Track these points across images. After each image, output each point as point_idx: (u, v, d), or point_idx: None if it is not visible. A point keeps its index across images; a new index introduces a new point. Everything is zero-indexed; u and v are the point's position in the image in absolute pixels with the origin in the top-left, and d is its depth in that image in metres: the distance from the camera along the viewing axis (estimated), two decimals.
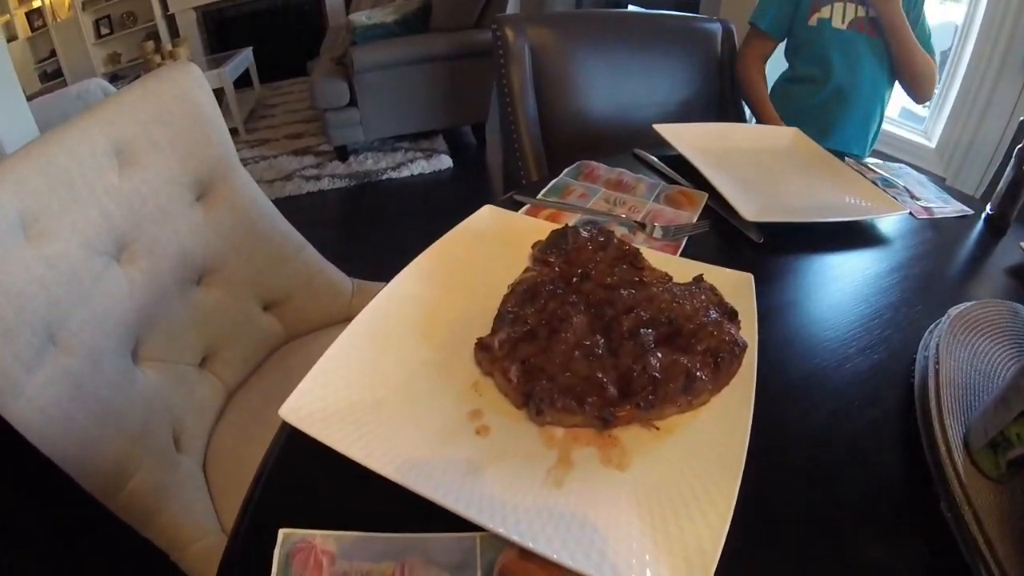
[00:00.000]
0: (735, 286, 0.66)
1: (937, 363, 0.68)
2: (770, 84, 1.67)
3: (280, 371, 1.17)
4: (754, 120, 1.61)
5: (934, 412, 0.61)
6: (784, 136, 1.26)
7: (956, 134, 2.91)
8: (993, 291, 0.94)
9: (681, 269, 0.66)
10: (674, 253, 0.77)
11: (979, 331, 0.78)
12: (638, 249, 0.65)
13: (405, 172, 3.59)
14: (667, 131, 1.09)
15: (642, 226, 0.82)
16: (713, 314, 0.58)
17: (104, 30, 5.59)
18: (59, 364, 0.78)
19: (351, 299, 1.30)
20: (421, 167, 3.62)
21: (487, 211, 0.78)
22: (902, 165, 1.41)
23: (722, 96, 1.59)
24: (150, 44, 4.35)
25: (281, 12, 6.12)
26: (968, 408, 0.63)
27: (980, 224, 1.24)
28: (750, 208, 0.86)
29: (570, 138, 1.35)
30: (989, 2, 2.59)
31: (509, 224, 0.77)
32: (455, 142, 3.97)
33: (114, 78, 5.22)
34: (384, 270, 0.75)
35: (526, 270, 0.65)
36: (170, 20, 5.67)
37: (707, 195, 0.92)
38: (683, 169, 1.02)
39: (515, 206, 0.86)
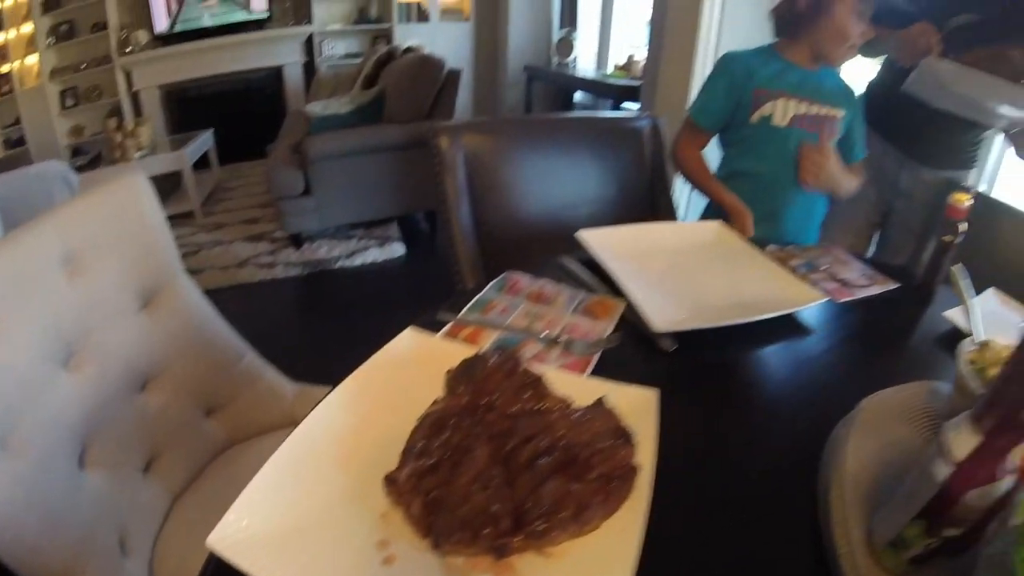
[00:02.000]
0: (638, 403, 0.70)
1: (843, 459, 0.70)
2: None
3: (223, 476, 1.18)
4: (685, 209, 1.68)
5: (834, 512, 0.64)
6: (707, 231, 1.33)
7: None
8: (919, 366, 0.99)
9: (587, 390, 0.70)
10: (585, 369, 0.81)
11: (893, 418, 0.80)
12: (540, 376, 0.69)
13: (358, 260, 3.63)
14: (589, 237, 1.15)
15: (556, 342, 0.86)
16: (609, 439, 0.62)
17: (69, 101, 5.60)
18: (10, 469, 0.80)
19: (292, 404, 1.32)
20: (374, 255, 3.68)
21: (408, 335, 0.82)
22: (830, 246, 1.46)
23: (652, 190, 1.66)
24: (113, 121, 4.37)
25: (243, 94, 6.19)
26: (876, 503, 0.65)
27: (905, 296, 1.28)
28: (659, 318, 0.91)
29: (507, 242, 1.40)
30: None
31: (429, 348, 0.81)
32: (409, 229, 4.05)
33: (76, 151, 5.31)
34: (335, 362, 0.78)
35: (435, 402, 0.68)
36: (135, 96, 5.72)
37: (624, 303, 0.97)
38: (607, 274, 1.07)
39: (441, 324, 0.90)
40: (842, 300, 1.20)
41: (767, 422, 0.82)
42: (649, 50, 3.39)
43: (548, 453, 0.60)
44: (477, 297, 0.97)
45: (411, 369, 0.77)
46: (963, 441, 0.52)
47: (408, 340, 0.81)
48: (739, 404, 0.85)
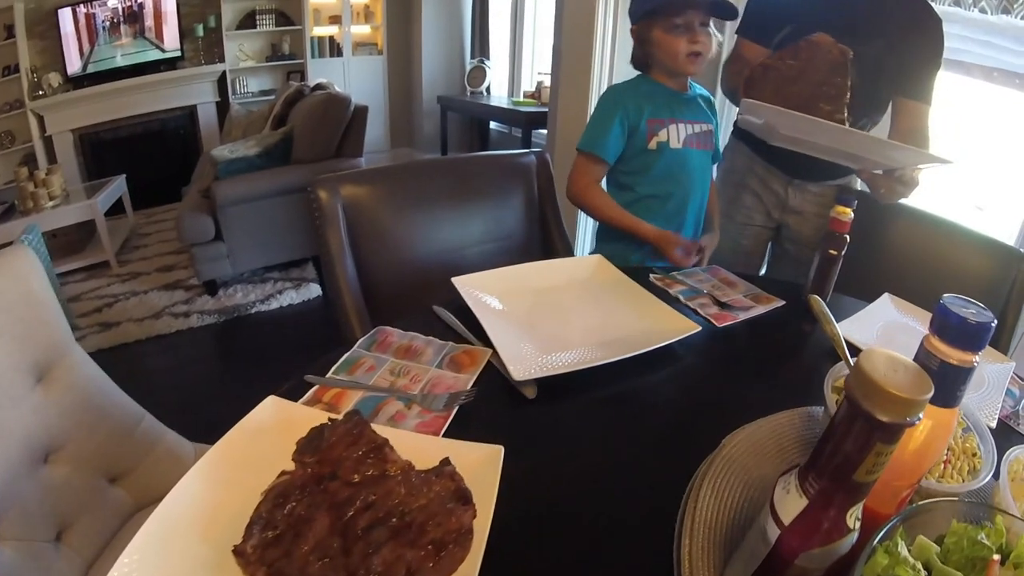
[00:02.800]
0: (485, 461, 0.73)
1: (698, 505, 0.70)
2: None
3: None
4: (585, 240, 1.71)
5: (684, 565, 0.64)
6: (586, 266, 1.37)
7: None
8: (804, 390, 0.96)
9: (436, 450, 0.74)
10: (442, 426, 0.84)
11: (759, 454, 0.81)
12: (384, 441, 0.71)
13: (274, 304, 3.61)
14: (461, 283, 1.18)
15: (415, 400, 0.88)
16: (448, 502, 0.64)
17: None
18: None
19: (193, 464, 1.30)
20: (290, 297, 3.66)
21: (270, 403, 0.83)
22: (715, 267, 1.52)
23: (545, 226, 1.69)
24: (24, 170, 4.24)
25: (158, 135, 6.09)
26: (729, 549, 0.65)
27: (793, 313, 1.33)
28: (519, 365, 0.94)
29: (394, 290, 1.42)
30: None
31: (289, 415, 0.82)
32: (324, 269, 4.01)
33: None
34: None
35: (282, 472, 0.70)
36: (48, 141, 5.57)
37: (490, 351, 0.99)
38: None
39: (309, 386, 0.92)
40: (723, 324, 1.23)
41: (628, 469, 0.83)
42: (551, 77, 3.47)
43: (385, 520, 0.63)
44: (345, 356, 1.00)
45: (270, 438, 0.78)
46: (791, 502, 0.51)
47: (268, 409, 0.83)
48: (601, 451, 0.86)
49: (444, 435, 0.82)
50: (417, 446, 0.75)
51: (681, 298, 1.33)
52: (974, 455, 0.77)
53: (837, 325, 1.12)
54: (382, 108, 6.81)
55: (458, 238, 1.54)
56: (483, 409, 0.89)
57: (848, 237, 1.26)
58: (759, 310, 1.30)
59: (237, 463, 0.74)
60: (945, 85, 1.72)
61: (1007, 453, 0.76)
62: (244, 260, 3.66)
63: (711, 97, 1.79)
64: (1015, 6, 2.12)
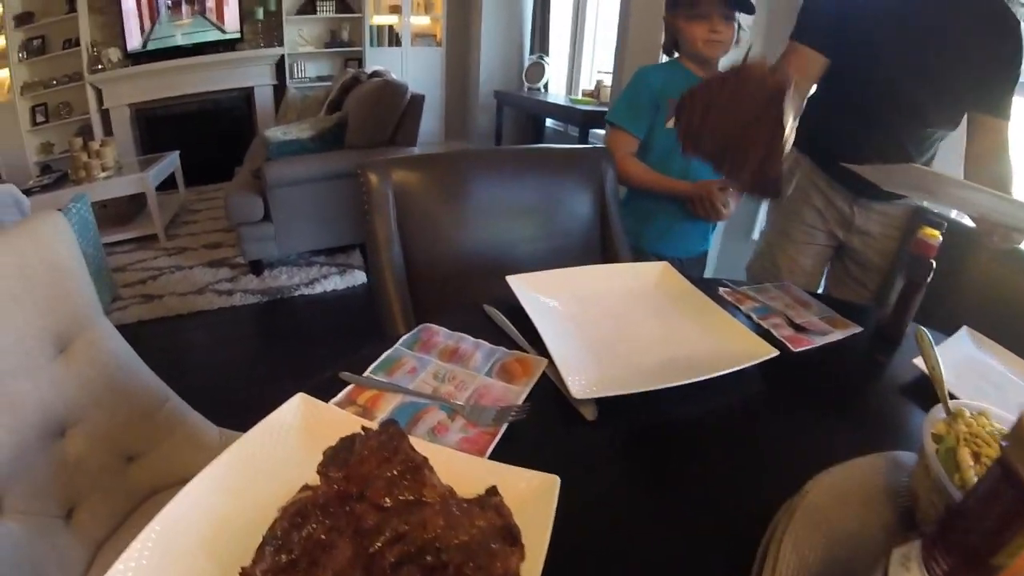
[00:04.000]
0: (537, 491, 0.63)
1: (779, 560, 0.60)
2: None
3: (147, 523, 1.11)
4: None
5: None
6: (650, 273, 1.25)
7: None
8: (887, 427, 0.90)
9: (482, 474, 0.64)
10: (488, 444, 0.74)
11: (844, 504, 0.70)
12: (423, 461, 0.61)
13: (318, 288, 3.56)
14: (517, 282, 1.07)
15: (461, 410, 0.78)
16: (492, 541, 0.54)
17: (40, 118, 5.55)
18: None
19: (216, 449, 1.25)
20: (335, 283, 3.61)
21: (298, 401, 0.75)
22: (786, 284, 1.40)
23: (605, 225, 1.59)
24: (78, 140, 4.29)
25: (213, 115, 6.17)
26: None
27: (869, 341, 1.20)
28: (579, 382, 0.83)
29: (441, 284, 1.33)
30: None
31: (319, 417, 0.73)
32: None
33: (45, 168, 5.21)
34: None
35: (304, 487, 0.61)
36: (105, 114, 5.67)
37: (546, 361, 0.89)
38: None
39: (343, 384, 0.83)
40: (799, 349, 1.11)
41: (698, 507, 0.73)
42: (613, 75, 3.36)
43: (417, 557, 0.53)
44: (385, 354, 0.90)
45: (296, 441, 0.70)
46: None
47: (297, 407, 0.74)
48: (666, 485, 0.76)
49: (491, 456, 0.72)
50: (460, 468, 0.65)
51: (753, 316, 1.21)
52: None
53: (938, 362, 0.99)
54: (438, 100, 6.75)
55: (511, 234, 1.45)
56: (534, 427, 0.79)
57: (934, 263, 1.14)
58: (836, 336, 1.18)
59: (256, 468, 0.66)
60: None
61: None
62: (291, 242, 3.63)
63: None
64: None
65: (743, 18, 1.74)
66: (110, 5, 5.40)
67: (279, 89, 6.20)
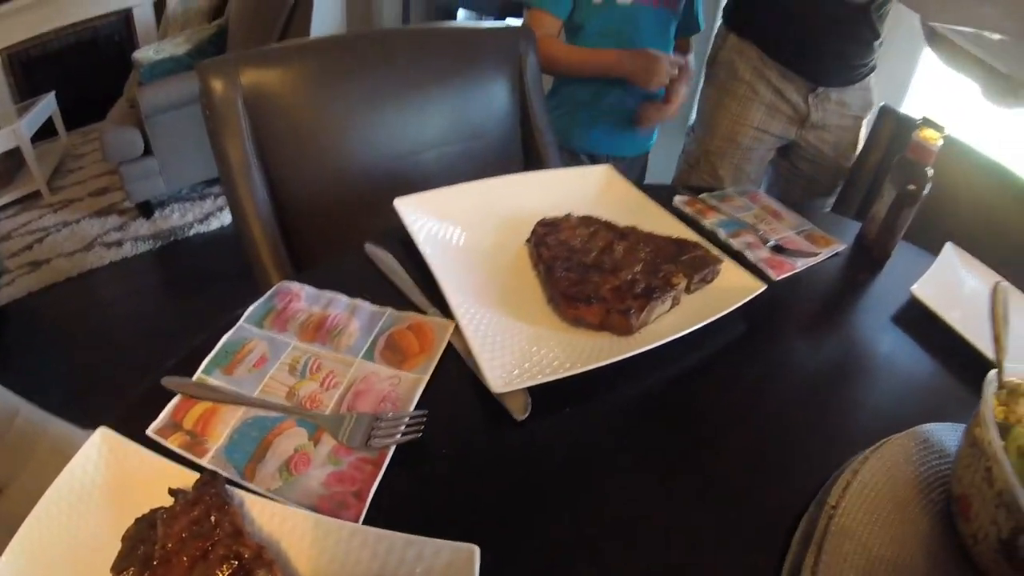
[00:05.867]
0: (444, 569, 0.38)
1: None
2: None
3: None
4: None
5: None
6: (590, 181, 0.98)
7: None
8: (896, 376, 0.74)
9: (357, 552, 0.40)
10: (373, 480, 0.47)
11: (878, 521, 0.54)
12: (260, 550, 0.37)
13: (215, 223, 3.24)
14: (410, 206, 0.78)
15: (331, 425, 0.50)
16: None
17: None
18: None
19: None
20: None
21: (100, 440, 0.49)
22: (751, 189, 1.19)
23: (527, 120, 1.31)
24: None
25: (91, 45, 5.54)
26: None
27: (849, 259, 1.03)
28: (501, 364, 0.56)
29: (325, 216, 1.03)
30: None
31: (126, 463, 0.48)
32: None
33: None
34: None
35: None
36: None
37: (452, 324, 0.61)
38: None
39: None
40: (781, 276, 0.89)
41: (685, 530, 0.50)
42: None
43: None
44: (224, 339, 0.61)
45: (101, 507, 0.46)
46: None
47: (98, 451, 0.49)
48: (629, 497, 0.52)
49: (372, 500, 0.45)
50: (327, 543, 0.40)
51: (721, 233, 0.97)
52: None
53: (920, 286, 0.89)
54: None
55: (411, 138, 1.13)
56: (440, 436, 0.52)
57: (931, 170, 0.97)
58: (822, 255, 0.98)
59: (51, 555, 0.44)
60: None
61: None
62: (179, 175, 3.27)
63: None
64: None
65: None
66: None
67: (160, 7, 5.61)
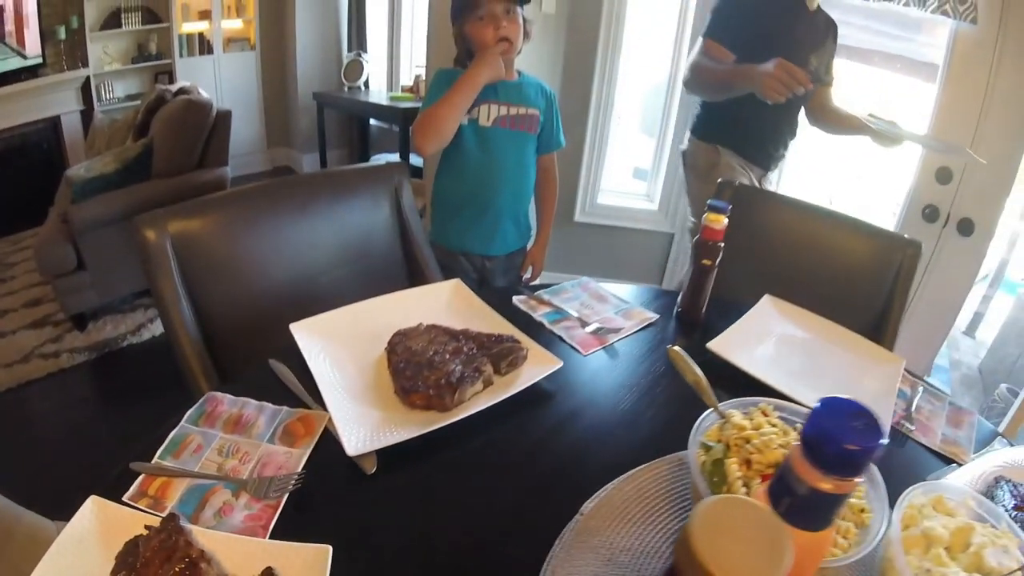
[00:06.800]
0: (311, 564, 0.66)
1: None
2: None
3: None
4: None
5: None
6: (441, 294, 1.28)
7: (675, 192, 3.21)
8: (680, 417, 0.86)
9: (260, 554, 0.67)
10: (272, 517, 0.75)
11: (625, 519, 0.76)
12: (200, 555, 0.63)
13: (146, 334, 3.40)
14: (301, 330, 1.07)
15: (245, 485, 0.79)
16: None
17: None
18: None
19: None
20: (161, 325, 3.39)
21: (91, 506, 0.73)
22: (586, 280, 1.46)
23: (406, 238, 1.61)
24: None
25: (19, 152, 5.59)
26: None
27: (669, 326, 1.29)
28: (355, 436, 0.85)
29: (244, 332, 1.30)
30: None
31: (112, 519, 0.72)
32: None
33: None
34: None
35: None
36: None
37: (327, 415, 0.90)
38: None
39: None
40: (589, 352, 1.16)
41: (479, 550, 0.75)
42: (426, 70, 3.36)
43: None
44: (171, 435, 0.88)
45: (94, 549, 0.69)
46: None
47: (91, 513, 0.73)
48: (446, 531, 0.78)
49: (273, 530, 0.74)
50: (240, 551, 0.68)
51: (545, 323, 1.25)
52: (862, 511, 0.71)
53: (717, 341, 1.15)
54: (257, 107, 6.49)
55: (309, 264, 1.42)
56: (318, 489, 0.81)
57: (722, 245, 1.23)
58: (629, 329, 1.25)
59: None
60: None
61: (901, 498, 0.71)
62: (110, 287, 3.40)
63: (543, 85, 1.98)
64: None
65: (526, 10, 1.83)
66: None
67: (87, 114, 5.76)
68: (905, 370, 1.19)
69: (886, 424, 0.98)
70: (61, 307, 3.38)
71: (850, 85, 2.57)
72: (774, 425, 0.80)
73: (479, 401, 0.94)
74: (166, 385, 1.02)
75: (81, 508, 0.73)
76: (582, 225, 3.60)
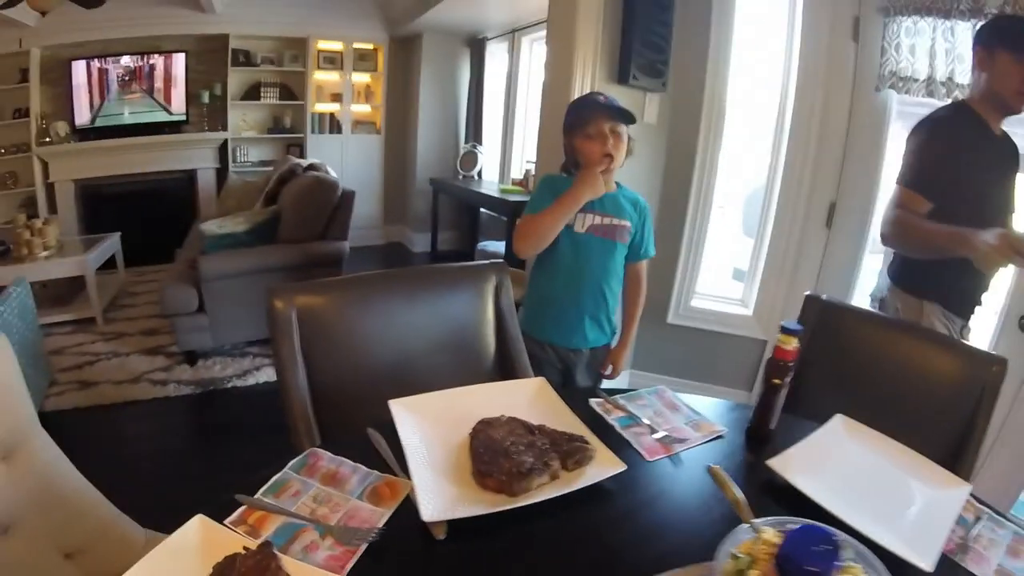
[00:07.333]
0: None
1: None
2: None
3: None
4: None
5: None
6: (526, 389, 1.40)
7: (770, 299, 3.25)
8: (733, 525, 0.93)
9: None
10: (350, 560, 0.89)
11: None
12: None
13: (251, 380, 3.65)
14: (399, 407, 1.21)
15: (331, 531, 0.93)
16: None
17: None
18: None
19: (141, 552, 1.35)
20: (267, 374, 3.69)
21: (197, 522, 0.89)
22: (662, 389, 1.51)
23: (501, 335, 1.76)
24: (22, 217, 4.40)
25: (156, 195, 6.28)
26: None
27: (738, 442, 1.32)
28: (431, 504, 0.98)
29: (346, 399, 1.46)
30: (785, 177, 3.14)
31: (213, 537, 0.88)
32: None
33: None
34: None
35: None
36: (50, 188, 5.76)
37: (412, 484, 1.04)
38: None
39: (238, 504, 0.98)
40: (655, 459, 1.22)
41: None
42: (535, 166, 3.55)
43: None
44: (275, 478, 1.05)
45: (192, 558, 0.84)
46: None
47: (195, 528, 0.88)
48: None
49: (350, 571, 0.87)
50: None
51: (616, 427, 1.33)
52: None
53: (778, 459, 1.17)
54: (377, 186, 7.00)
55: (410, 348, 1.59)
56: (395, 544, 0.94)
57: (792, 365, 1.27)
58: (695, 440, 1.29)
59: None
60: None
61: None
62: (225, 333, 3.73)
63: (639, 199, 2.15)
64: None
65: (630, 128, 2.01)
66: (62, 78, 5.55)
67: (221, 172, 6.36)
68: (973, 496, 1.17)
69: (935, 550, 0.98)
70: (176, 341, 3.72)
71: None
72: None
73: (544, 492, 1.05)
74: (260, 429, 1.16)
75: (188, 523, 0.88)
76: (674, 327, 3.63)
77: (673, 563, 0.94)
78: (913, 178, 1.94)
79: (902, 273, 2.12)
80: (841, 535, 0.85)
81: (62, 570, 1.26)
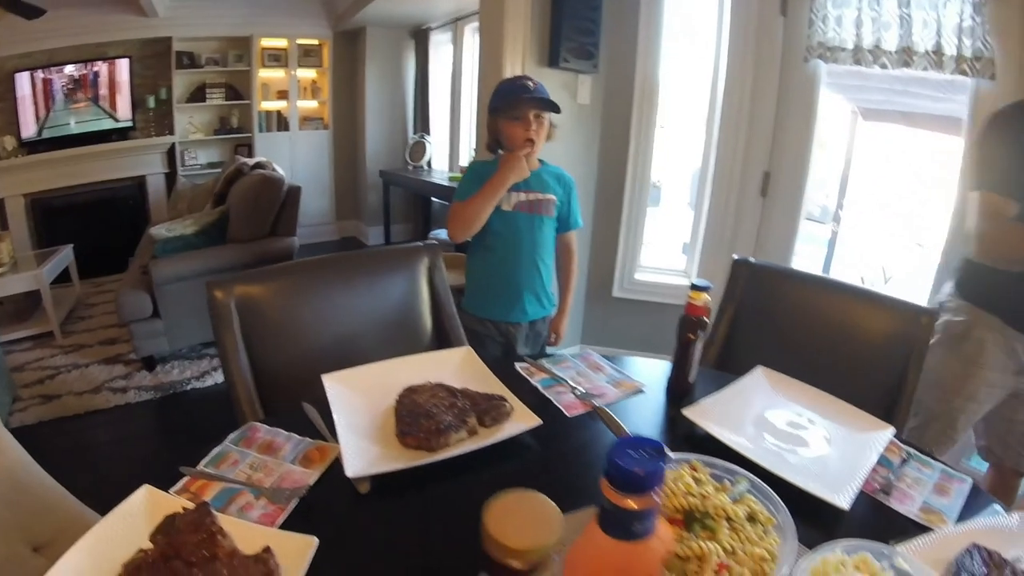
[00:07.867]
0: (299, 549, 0.89)
1: None
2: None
3: None
4: None
5: None
6: (453, 359, 1.50)
7: (710, 269, 3.39)
8: None
9: (263, 538, 0.90)
10: (280, 516, 1.00)
11: None
12: (219, 530, 0.87)
13: (209, 380, 3.73)
14: (331, 380, 1.32)
15: (263, 493, 1.04)
16: None
17: None
18: None
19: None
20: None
21: (144, 492, 0.98)
22: (588, 353, 1.61)
23: (437, 311, 1.87)
24: None
25: (108, 204, 6.25)
26: None
27: (659, 397, 1.39)
28: (354, 463, 1.09)
29: (291, 380, 1.54)
30: (719, 150, 3.28)
31: (160, 503, 0.97)
32: None
33: None
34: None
35: (139, 551, 0.86)
36: (0, 204, 5.69)
37: (339, 447, 1.14)
38: None
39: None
40: (574, 414, 1.31)
41: (439, 557, 0.94)
42: (477, 152, 3.62)
43: None
44: (215, 450, 1.15)
45: (140, 524, 0.93)
46: None
47: (141, 497, 0.98)
48: (421, 552, 0.96)
49: (281, 526, 0.98)
50: (249, 535, 0.91)
51: (539, 388, 1.43)
52: (763, 560, 0.76)
53: (693, 408, 1.26)
54: (328, 181, 7.06)
55: (349, 328, 1.69)
56: (324, 502, 1.05)
57: (706, 320, 1.34)
58: (615, 396, 1.38)
59: (109, 549, 0.89)
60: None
61: (813, 550, 0.78)
62: (181, 336, 3.79)
63: (562, 173, 2.26)
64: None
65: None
66: (6, 92, 5.48)
67: (171, 176, 6.35)
68: (899, 439, 1.24)
69: (852, 490, 1.04)
70: (133, 348, 3.77)
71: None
72: (699, 480, 0.92)
73: (462, 446, 1.16)
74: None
75: (135, 492, 0.98)
76: (620, 300, 3.75)
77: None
78: (995, 180, 1.78)
79: (964, 281, 2.00)
80: (738, 469, 0.94)
81: (30, 562, 1.32)
